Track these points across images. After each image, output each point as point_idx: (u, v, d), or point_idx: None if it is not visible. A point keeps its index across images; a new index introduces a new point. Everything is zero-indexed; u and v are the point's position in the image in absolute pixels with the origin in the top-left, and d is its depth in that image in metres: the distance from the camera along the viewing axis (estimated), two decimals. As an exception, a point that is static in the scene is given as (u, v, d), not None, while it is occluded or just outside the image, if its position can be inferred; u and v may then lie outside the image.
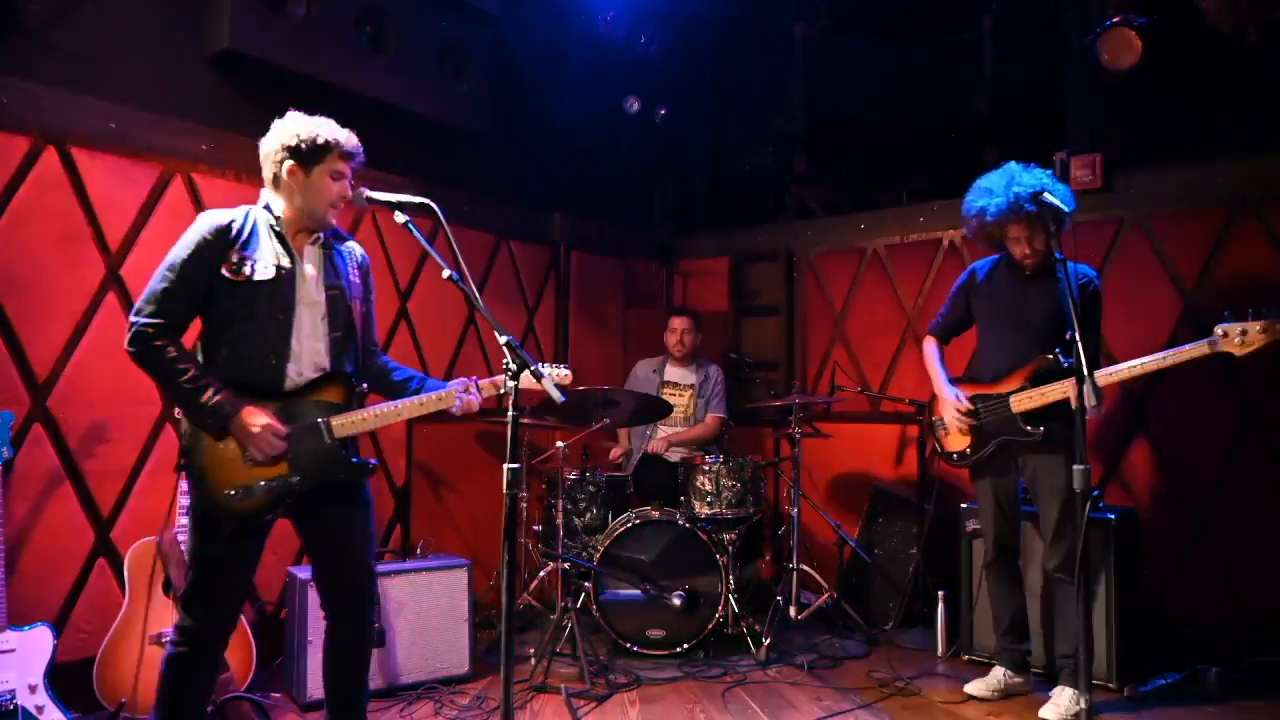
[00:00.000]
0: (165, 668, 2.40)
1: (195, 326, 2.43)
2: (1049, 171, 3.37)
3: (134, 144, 3.52)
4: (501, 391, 2.36)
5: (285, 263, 2.43)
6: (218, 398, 2.28)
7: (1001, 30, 4.83)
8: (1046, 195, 3.09)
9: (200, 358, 2.41)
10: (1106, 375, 3.09)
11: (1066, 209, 3.09)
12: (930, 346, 3.75)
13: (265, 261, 2.39)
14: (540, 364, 2.44)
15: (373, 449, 4.31)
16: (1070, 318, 2.62)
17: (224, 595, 2.40)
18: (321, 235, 2.55)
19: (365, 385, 2.61)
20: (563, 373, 2.77)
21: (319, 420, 2.42)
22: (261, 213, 2.48)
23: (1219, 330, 2.94)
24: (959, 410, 3.50)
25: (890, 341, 5.13)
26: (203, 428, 2.31)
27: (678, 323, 4.90)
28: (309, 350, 2.46)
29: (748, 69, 5.99)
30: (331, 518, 2.50)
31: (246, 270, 2.36)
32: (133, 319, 2.31)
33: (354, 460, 2.50)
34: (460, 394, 2.54)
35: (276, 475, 2.36)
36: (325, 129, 2.47)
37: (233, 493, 2.31)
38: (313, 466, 2.40)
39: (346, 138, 2.50)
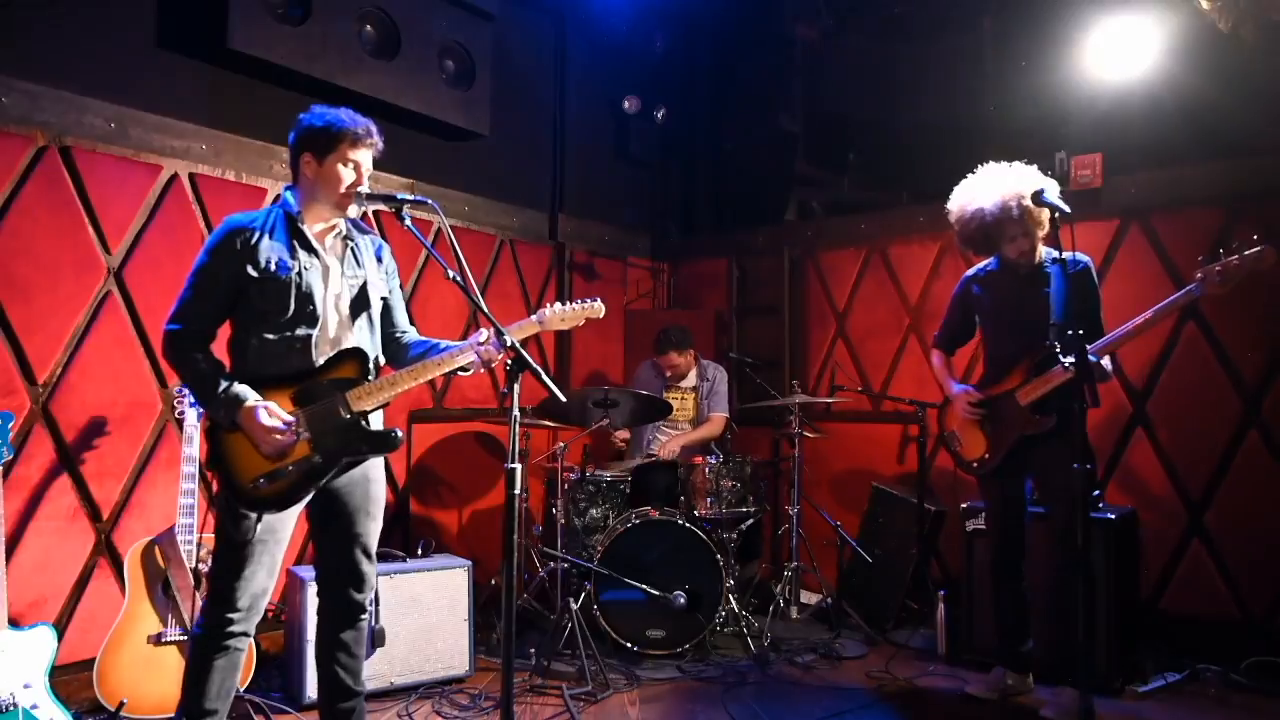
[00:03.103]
0: (191, 658, 2.42)
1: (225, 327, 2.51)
2: (1033, 167, 3.40)
3: (134, 144, 3.53)
4: (537, 328, 2.57)
5: (306, 256, 2.47)
6: (228, 393, 2.35)
7: (1001, 31, 4.82)
8: (1046, 194, 3.09)
9: (232, 354, 2.48)
10: (1104, 344, 3.18)
11: (1066, 207, 3.10)
12: (936, 358, 3.79)
13: (287, 256, 2.44)
14: (542, 369, 2.45)
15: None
16: (1065, 309, 2.63)
17: (252, 583, 2.42)
18: (342, 228, 2.58)
19: (384, 360, 2.65)
20: (596, 305, 2.68)
21: (336, 395, 2.44)
22: (283, 209, 2.52)
23: (1198, 275, 3.06)
24: (969, 403, 3.51)
25: (891, 341, 5.12)
26: (219, 422, 2.39)
27: (664, 362, 4.83)
28: (335, 339, 2.51)
29: (748, 69, 5.99)
30: (343, 504, 2.54)
31: (269, 266, 2.41)
32: (165, 327, 2.42)
33: (375, 430, 2.51)
34: (478, 345, 2.48)
35: (300, 458, 2.40)
36: (337, 118, 2.50)
37: (259, 480, 2.36)
38: (334, 443, 2.43)
39: (354, 123, 2.50)
